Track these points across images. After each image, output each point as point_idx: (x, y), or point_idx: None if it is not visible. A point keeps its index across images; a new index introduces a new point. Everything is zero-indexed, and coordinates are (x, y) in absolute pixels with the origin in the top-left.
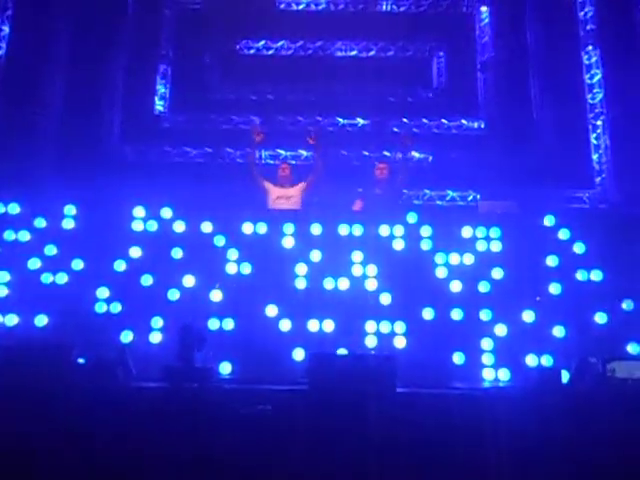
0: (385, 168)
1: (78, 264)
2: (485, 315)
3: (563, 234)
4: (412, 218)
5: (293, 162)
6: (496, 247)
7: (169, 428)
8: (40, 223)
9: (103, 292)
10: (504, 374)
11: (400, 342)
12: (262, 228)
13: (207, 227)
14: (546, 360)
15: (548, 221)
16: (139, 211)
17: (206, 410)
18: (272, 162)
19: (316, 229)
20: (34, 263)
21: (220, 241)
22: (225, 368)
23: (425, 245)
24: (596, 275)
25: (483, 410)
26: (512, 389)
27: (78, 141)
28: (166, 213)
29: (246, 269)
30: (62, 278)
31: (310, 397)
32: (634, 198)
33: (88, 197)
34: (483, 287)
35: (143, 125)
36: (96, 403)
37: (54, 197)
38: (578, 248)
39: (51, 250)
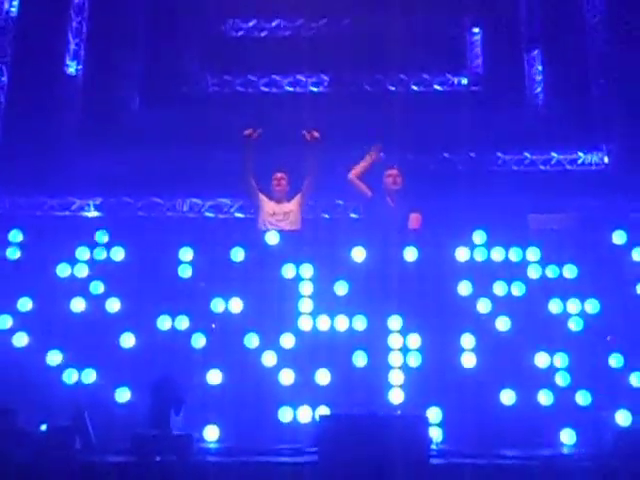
0: (397, 175)
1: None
2: (543, 359)
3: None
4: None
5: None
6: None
7: None
8: None
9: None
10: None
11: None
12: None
13: (186, 254)
14: (624, 417)
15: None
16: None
17: None
18: None
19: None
20: None
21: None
22: (210, 433)
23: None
24: None
25: None
26: (580, 457)
27: None
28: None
29: (236, 305)
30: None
31: (320, 471)
32: None
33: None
34: (540, 322)
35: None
36: None
37: None
38: None
39: None
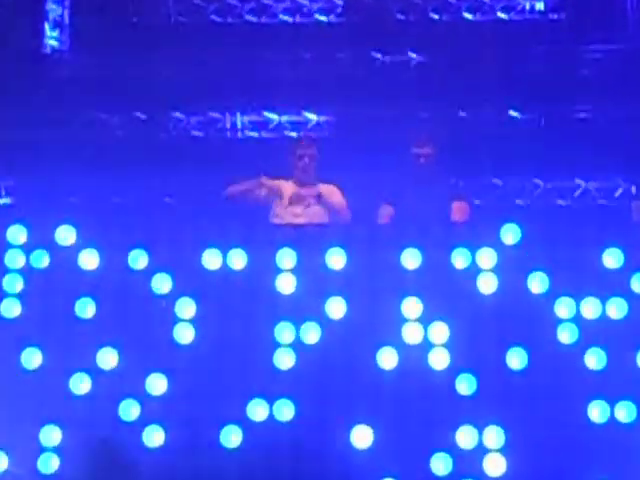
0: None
1: None
2: None
3: None
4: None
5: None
6: None
7: None
8: None
9: None
10: None
11: (496, 464)
12: (238, 260)
13: (139, 258)
14: None
15: None
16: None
17: None
18: (255, 134)
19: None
20: None
21: (163, 284)
22: None
23: (536, 285)
24: None
25: None
26: None
27: None
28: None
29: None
30: None
31: None
32: None
33: None
34: None
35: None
36: None
37: None
38: None
39: None
